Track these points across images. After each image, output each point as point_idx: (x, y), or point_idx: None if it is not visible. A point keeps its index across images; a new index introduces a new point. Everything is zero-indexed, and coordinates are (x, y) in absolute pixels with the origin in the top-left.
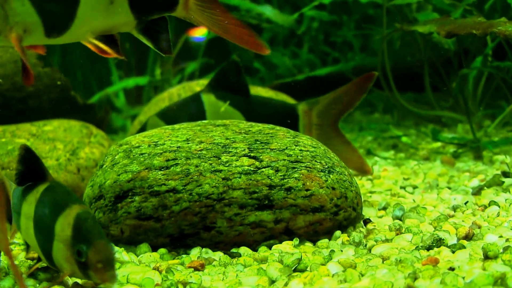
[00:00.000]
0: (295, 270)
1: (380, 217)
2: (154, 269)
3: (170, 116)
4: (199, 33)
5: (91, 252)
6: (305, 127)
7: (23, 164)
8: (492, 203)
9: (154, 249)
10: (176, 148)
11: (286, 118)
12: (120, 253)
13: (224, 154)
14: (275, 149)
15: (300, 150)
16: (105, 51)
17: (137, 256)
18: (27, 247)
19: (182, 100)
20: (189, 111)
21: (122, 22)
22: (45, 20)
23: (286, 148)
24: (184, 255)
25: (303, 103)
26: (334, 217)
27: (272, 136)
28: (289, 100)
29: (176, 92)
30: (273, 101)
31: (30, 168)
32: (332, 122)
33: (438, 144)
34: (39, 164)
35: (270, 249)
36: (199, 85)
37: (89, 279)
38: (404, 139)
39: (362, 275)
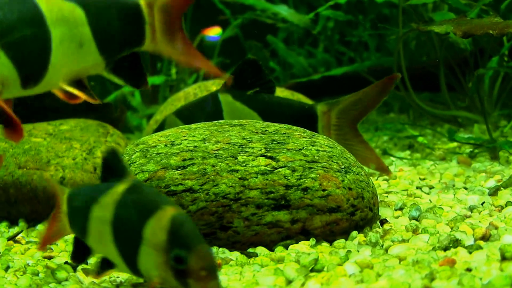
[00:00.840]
0: (312, 270)
1: (397, 217)
2: None
3: (187, 115)
4: (214, 32)
5: (193, 258)
6: (323, 127)
7: (108, 167)
8: (509, 203)
9: None
10: (192, 147)
11: (305, 118)
12: None
13: (241, 154)
14: (292, 149)
15: (317, 150)
16: (74, 96)
17: None
18: (80, 253)
19: (199, 99)
20: (206, 110)
21: (92, 65)
22: (22, 71)
23: (303, 148)
24: None
25: (322, 103)
26: (350, 217)
27: (288, 136)
28: (306, 100)
29: (192, 92)
30: (291, 102)
31: (113, 169)
32: (351, 124)
33: (454, 144)
34: (119, 162)
35: (287, 249)
36: (215, 84)
37: None
38: (420, 139)
39: (379, 276)
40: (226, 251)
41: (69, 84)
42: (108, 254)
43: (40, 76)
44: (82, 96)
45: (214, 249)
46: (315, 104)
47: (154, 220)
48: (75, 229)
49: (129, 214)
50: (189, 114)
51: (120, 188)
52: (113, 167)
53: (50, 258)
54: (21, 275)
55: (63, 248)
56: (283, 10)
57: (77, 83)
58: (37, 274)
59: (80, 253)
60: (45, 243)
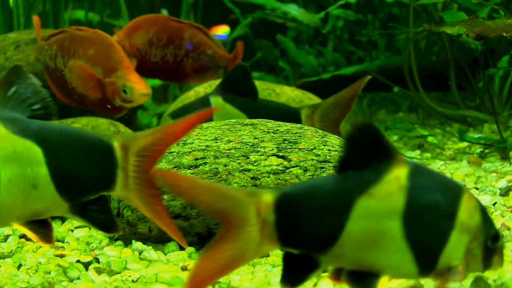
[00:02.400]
0: (324, 271)
1: None
2: (182, 268)
3: (180, 116)
4: (222, 31)
5: (499, 234)
6: None
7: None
8: None
9: (182, 247)
10: (204, 147)
11: (290, 122)
12: (149, 251)
13: (253, 154)
14: (304, 148)
15: (329, 150)
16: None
17: (165, 254)
18: (297, 272)
19: (193, 101)
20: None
21: (49, 206)
22: None
23: (315, 147)
24: None
25: (306, 107)
26: None
27: (300, 136)
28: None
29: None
30: (278, 105)
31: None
32: (332, 127)
33: (464, 144)
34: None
35: None
36: None
37: (487, 268)
38: (430, 139)
39: None
40: None
41: (27, 223)
42: (378, 260)
43: None
44: (34, 238)
45: None
46: (300, 108)
47: (467, 201)
48: (297, 242)
49: (433, 199)
50: (182, 115)
51: (398, 172)
52: (372, 147)
53: (62, 256)
54: (34, 273)
55: (75, 247)
56: (293, 9)
57: (39, 220)
58: (49, 273)
59: (297, 274)
60: (214, 277)
